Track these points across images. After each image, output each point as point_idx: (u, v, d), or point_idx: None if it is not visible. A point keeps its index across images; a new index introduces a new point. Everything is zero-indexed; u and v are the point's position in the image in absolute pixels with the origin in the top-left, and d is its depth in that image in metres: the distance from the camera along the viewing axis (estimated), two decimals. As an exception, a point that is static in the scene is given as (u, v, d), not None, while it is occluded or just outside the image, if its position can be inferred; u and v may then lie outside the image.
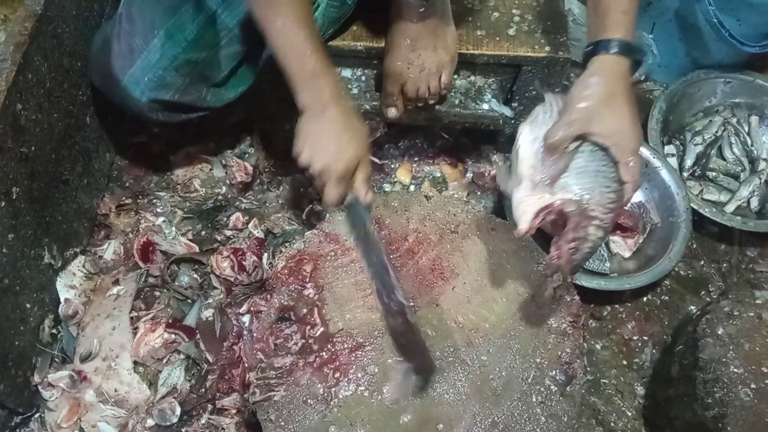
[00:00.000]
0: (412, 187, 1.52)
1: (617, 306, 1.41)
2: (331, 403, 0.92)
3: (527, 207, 0.89)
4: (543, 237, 1.40)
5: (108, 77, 1.19)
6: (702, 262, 1.48)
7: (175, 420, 1.17)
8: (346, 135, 1.01)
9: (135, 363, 1.22)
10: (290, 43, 0.96)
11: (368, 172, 1.05)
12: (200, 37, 1.14)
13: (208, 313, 1.28)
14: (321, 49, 0.98)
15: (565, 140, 0.88)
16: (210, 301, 1.30)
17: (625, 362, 1.34)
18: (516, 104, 1.37)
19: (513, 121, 1.39)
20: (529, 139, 0.93)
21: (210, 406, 1.20)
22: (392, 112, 1.26)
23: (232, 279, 1.30)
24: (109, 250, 1.35)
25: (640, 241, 1.42)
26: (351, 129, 1.02)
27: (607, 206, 0.88)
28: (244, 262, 1.30)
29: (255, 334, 1.00)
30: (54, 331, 1.24)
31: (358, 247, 1.04)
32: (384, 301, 0.98)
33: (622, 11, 0.90)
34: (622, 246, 1.41)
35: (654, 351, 1.35)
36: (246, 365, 1.17)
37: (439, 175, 1.53)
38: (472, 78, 1.36)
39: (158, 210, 1.44)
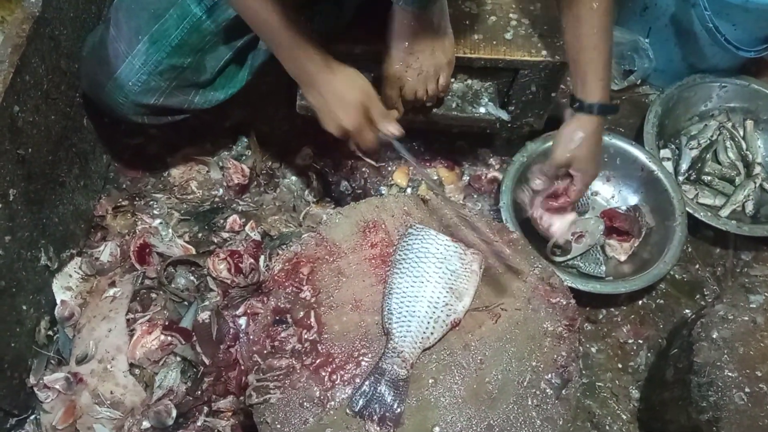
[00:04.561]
0: (409, 190, 1.52)
1: (613, 309, 1.41)
2: (328, 405, 0.92)
3: None
4: (538, 238, 1.42)
5: (94, 82, 1.21)
6: (697, 266, 1.49)
7: (171, 422, 1.17)
8: (339, 90, 1.06)
9: (131, 365, 1.22)
10: (267, 28, 1.02)
11: (379, 108, 1.10)
12: (185, 43, 1.14)
13: (204, 316, 1.28)
14: (294, 27, 1.01)
15: (553, 169, 1.19)
16: (206, 303, 1.30)
17: (620, 365, 1.35)
18: (512, 108, 1.38)
19: (509, 125, 1.40)
20: None
21: (206, 409, 1.20)
22: (392, 115, 1.27)
23: (228, 281, 1.30)
24: (106, 252, 1.35)
25: (635, 245, 1.42)
26: (341, 83, 1.07)
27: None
28: (240, 265, 1.30)
29: (251, 337, 0.99)
30: (50, 332, 1.25)
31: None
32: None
33: (599, 79, 1.11)
34: (618, 250, 1.42)
35: (649, 354, 1.36)
36: (242, 367, 1.17)
37: (436, 177, 1.53)
38: (469, 82, 1.37)
39: (155, 212, 1.44)
